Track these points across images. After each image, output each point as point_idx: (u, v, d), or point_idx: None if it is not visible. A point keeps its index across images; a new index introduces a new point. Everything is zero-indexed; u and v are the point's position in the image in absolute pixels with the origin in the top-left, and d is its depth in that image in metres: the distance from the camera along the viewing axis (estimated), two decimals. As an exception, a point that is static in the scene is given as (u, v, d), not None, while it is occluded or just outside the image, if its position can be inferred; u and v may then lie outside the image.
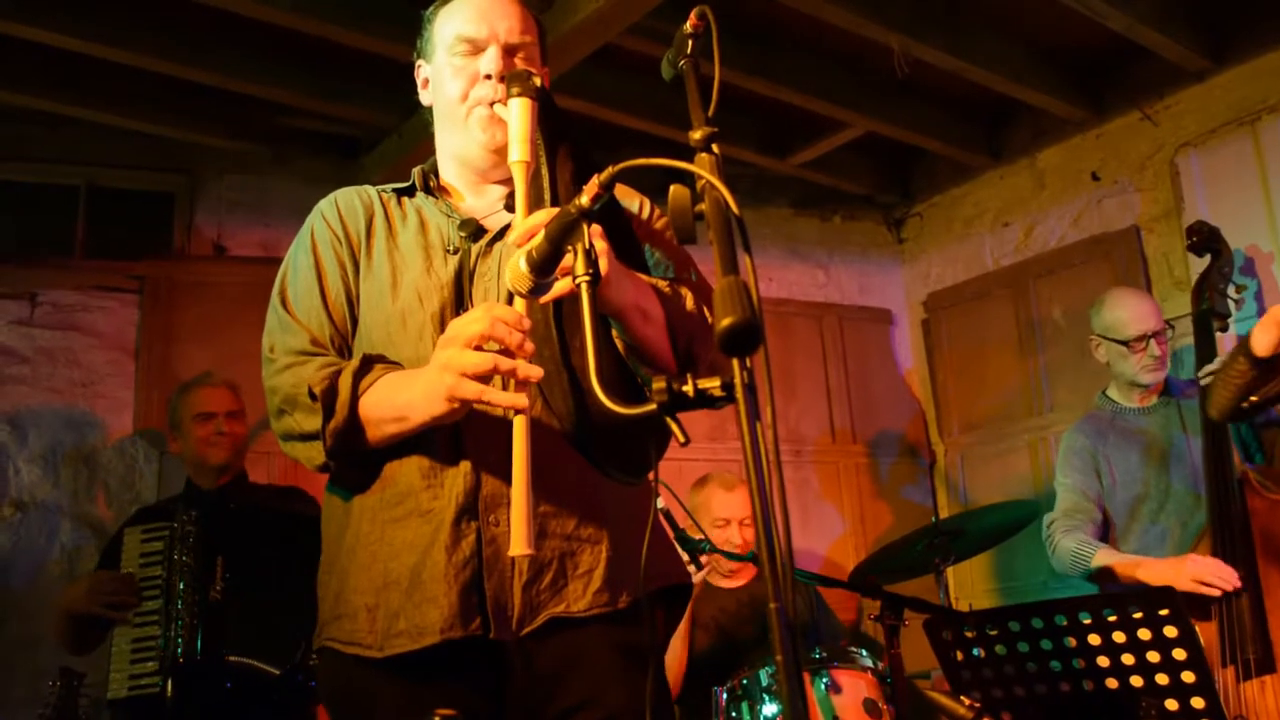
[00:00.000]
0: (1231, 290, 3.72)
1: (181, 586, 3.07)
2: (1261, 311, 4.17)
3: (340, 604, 1.67)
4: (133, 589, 3.06)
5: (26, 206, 4.50)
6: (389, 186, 1.87)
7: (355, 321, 1.76)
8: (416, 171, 1.86)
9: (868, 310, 5.63)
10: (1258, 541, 3.07)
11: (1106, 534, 3.53)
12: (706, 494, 3.75)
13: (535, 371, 1.44)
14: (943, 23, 4.10)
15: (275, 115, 4.45)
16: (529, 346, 1.45)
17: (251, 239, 4.63)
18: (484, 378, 1.46)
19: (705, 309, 1.70)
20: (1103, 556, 3.35)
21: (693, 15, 1.42)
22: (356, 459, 1.64)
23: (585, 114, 4.34)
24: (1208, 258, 3.76)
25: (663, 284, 1.69)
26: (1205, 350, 3.49)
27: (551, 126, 1.63)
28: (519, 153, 1.55)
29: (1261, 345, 2.68)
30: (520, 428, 1.42)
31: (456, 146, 1.82)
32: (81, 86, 4.09)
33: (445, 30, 1.79)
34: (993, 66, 4.29)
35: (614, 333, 1.58)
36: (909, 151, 5.33)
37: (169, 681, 2.99)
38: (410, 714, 1.53)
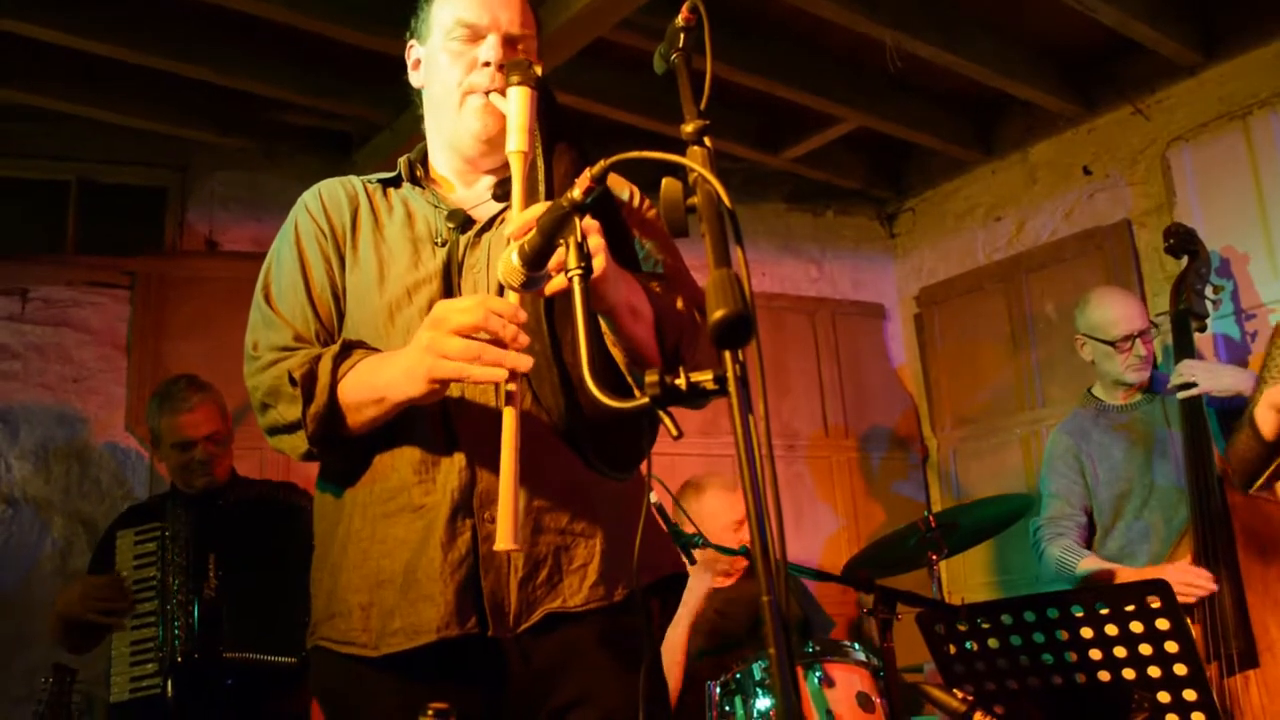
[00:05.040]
0: (1209, 291, 3.73)
1: (175, 586, 3.06)
2: (1238, 311, 4.18)
3: (334, 602, 1.66)
4: (125, 594, 3.02)
5: (18, 202, 4.48)
6: (374, 177, 1.84)
7: (341, 316, 1.73)
8: (403, 161, 1.83)
9: (860, 305, 5.63)
10: (1239, 537, 3.09)
11: (1092, 535, 3.57)
12: (710, 498, 3.67)
13: (525, 361, 1.42)
14: (935, 18, 4.10)
15: (267, 110, 4.43)
16: (524, 339, 1.43)
17: (244, 234, 4.62)
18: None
19: (695, 311, 1.70)
20: (1088, 564, 3.40)
21: (684, 9, 1.42)
22: (340, 446, 1.63)
23: (578, 108, 4.33)
24: (1185, 259, 3.77)
25: (654, 284, 1.68)
26: (1183, 350, 3.52)
27: (550, 119, 1.62)
28: (517, 142, 1.53)
29: (1267, 428, 3.04)
30: (510, 423, 1.41)
31: (447, 133, 1.79)
32: (73, 82, 4.07)
33: (444, 13, 1.76)
34: (985, 62, 4.29)
35: (603, 329, 1.57)
36: (901, 146, 5.33)
37: (169, 682, 2.98)
38: (407, 713, 1.53)
